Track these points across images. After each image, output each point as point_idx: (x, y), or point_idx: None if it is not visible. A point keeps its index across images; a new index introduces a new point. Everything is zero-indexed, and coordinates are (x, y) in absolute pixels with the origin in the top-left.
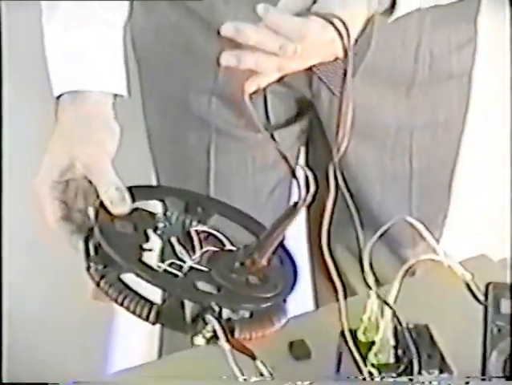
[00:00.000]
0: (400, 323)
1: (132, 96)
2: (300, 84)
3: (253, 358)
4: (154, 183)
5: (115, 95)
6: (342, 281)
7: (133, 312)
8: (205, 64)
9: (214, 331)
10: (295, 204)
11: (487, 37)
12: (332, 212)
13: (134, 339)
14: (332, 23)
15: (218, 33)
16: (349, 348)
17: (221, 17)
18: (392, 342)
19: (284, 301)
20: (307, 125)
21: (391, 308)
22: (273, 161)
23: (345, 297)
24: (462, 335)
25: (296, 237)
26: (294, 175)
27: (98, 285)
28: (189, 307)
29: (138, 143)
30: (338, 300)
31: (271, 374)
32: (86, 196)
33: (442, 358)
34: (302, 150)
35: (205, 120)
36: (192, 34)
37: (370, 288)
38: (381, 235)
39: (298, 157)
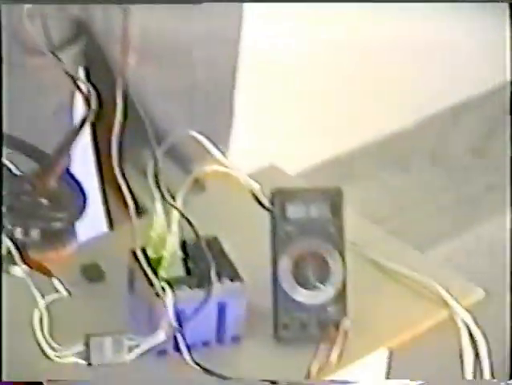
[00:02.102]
0: (198, 235)
1: None
2: (74, 6)
3: (50, 275)
4: None
5: None
6: (134, 200)
7: None
8: None
9: (9, 252)
10: (80, 122)
11: None
12: (122, 131)
13: None
14: None
15: None
16: (140, 265)
17: None
18: (181, 255)
19: (73, 225)
20: (84, 46)
21: (187, 220)
22: (52, 85)
23: (137, 215)
24: (252, 244)
25: (84, 161)
26: (80, 90)
27: None
28: None
29: None
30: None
31: (68, 292)
32: None
33: (232, 267)
34: (81, 70)
35: None
36: None
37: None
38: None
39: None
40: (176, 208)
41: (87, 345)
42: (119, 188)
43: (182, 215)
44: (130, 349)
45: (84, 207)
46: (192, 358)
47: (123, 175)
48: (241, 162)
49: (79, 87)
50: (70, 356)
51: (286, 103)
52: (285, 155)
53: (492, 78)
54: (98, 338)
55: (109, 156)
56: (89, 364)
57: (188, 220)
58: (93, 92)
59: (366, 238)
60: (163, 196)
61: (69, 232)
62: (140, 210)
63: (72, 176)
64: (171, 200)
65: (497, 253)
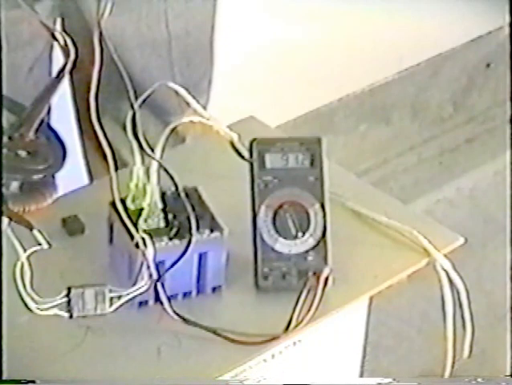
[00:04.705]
0: (177, 186)
1: None
2: None
3: (31, 228)
4: None
5: None
6: (113, 152)
7: None
8: None
9: None
10: (57, 74)
11: None
12: (99, 82)
13: None
14: None
15: None
16: (120, 217)
17: None
18: (160, 206)
19: (53, 177)
20: None
21: (167, 172)
22: (28, 38)
23: (116, 168)
24: (232, 195)
25: (64, 113)
26: (57, 42)
27: None
28: None
29: None
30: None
31: (49, 244)
32: None
33: (212, 218)
34: (58, 22)
35: None
36: None
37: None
38: (144, 101)
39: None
40: (155, 159)
41: (68, 297)
42: (98, 141)
43: (161, 166)
44: (111, 300)
45: (64, 159)
46: (172, 308)
47: (102, 127)
48: (222, 115)
49: (56, 38)
50: (51, 308)
51: (267, 56)
52: (264, 108)
53: (472, 29)
54: (79, 290)
55: (88, 108)
56: (70, 316)
57: (167, 172)
58: (71, 43)
59: (348, 189)
60: (142, 148)
61: (49, 184)
62: (119, 162)
63: (51, 128)
64: (150, 152)
65: (477, 204)
